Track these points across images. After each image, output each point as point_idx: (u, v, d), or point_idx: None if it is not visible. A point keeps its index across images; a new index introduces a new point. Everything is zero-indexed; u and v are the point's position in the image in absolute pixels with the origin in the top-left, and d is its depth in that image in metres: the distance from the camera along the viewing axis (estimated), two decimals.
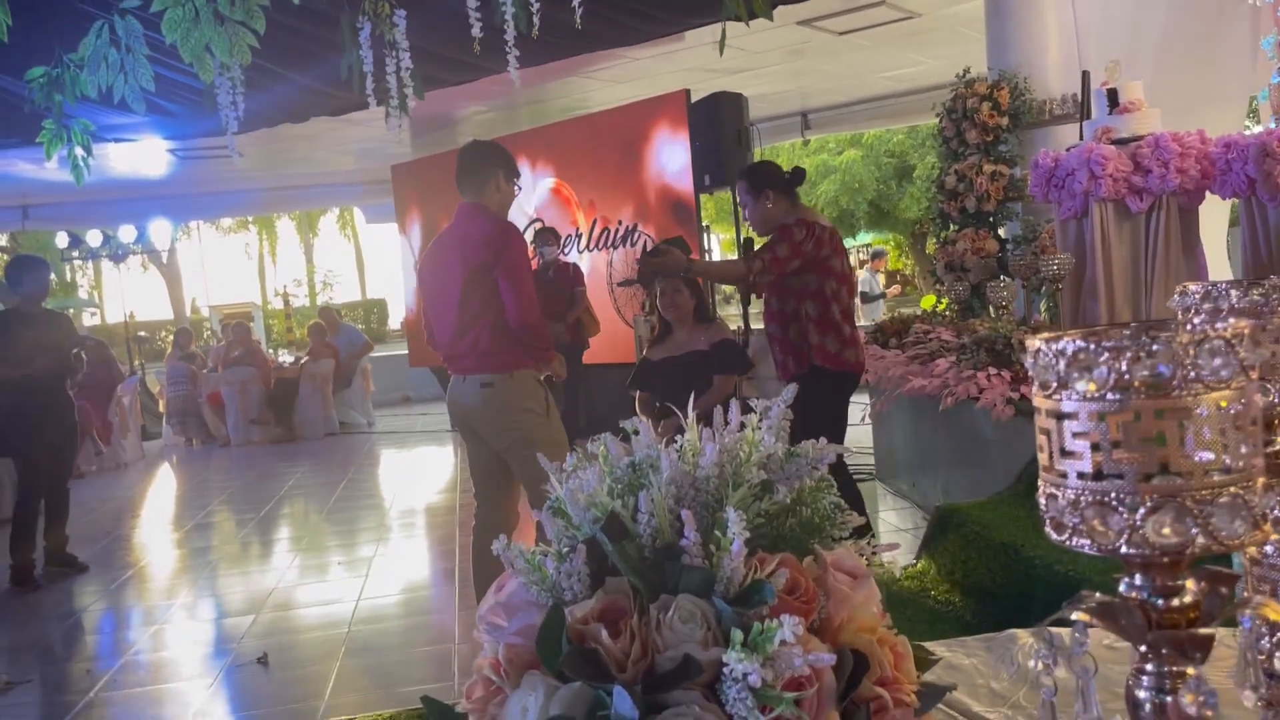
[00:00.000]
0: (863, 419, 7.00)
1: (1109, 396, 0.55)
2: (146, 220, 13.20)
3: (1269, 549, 0.75)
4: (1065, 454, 0.58)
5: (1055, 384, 0.58)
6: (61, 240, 13.78)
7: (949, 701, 1.17)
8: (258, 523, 6.92)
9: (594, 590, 0.87)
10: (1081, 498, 0.57)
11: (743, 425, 0.90)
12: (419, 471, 8.86)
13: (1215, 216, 6.18)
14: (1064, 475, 0.58)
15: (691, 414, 0.95)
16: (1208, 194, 5.05)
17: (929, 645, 1.30)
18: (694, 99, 7.73)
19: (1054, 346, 0.58)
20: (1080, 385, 0.56)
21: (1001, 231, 6.14)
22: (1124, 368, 0.55)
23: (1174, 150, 4.80)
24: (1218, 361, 0.54)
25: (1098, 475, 0.57)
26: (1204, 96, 6.36)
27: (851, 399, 4.08)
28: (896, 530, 4.90)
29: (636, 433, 0.92)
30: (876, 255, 14.83)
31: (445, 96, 8.20)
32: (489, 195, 3.68)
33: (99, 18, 5.33)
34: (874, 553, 0.93)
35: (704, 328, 4.66)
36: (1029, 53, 6.28)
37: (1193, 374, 0.54)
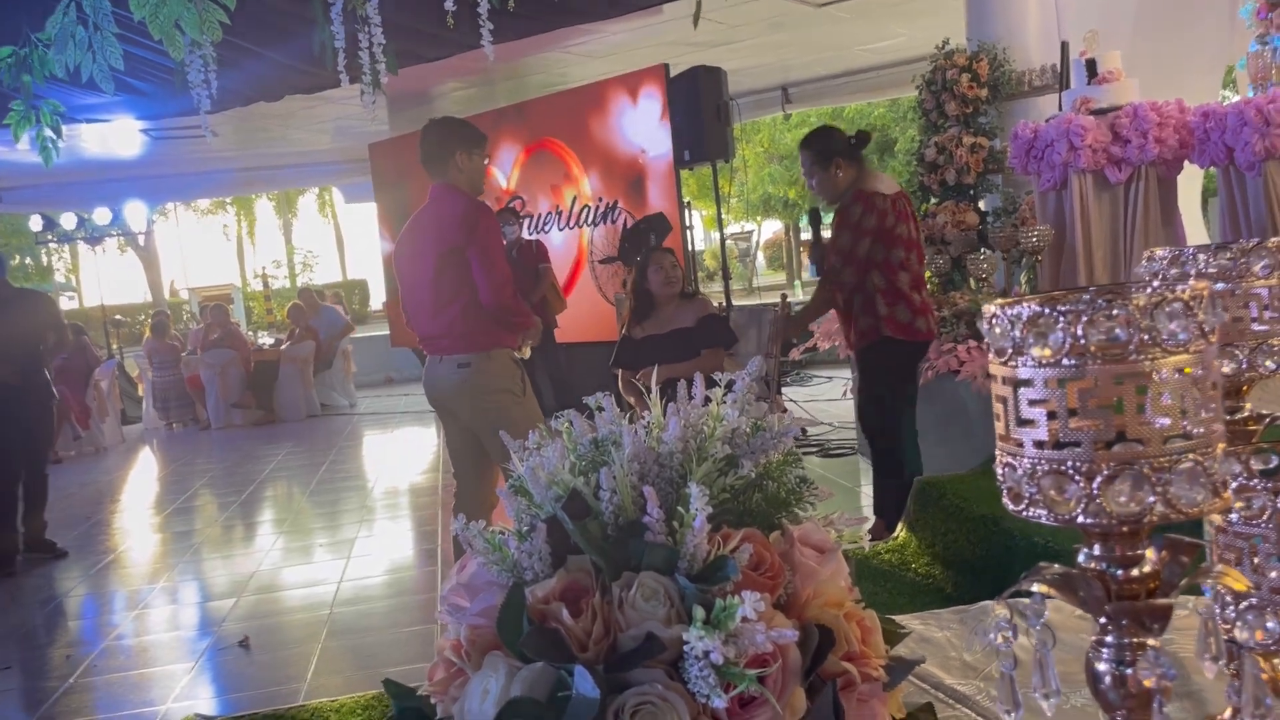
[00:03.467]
0: (844, 393, 7.01)
1: (1065, 362, 0.53)
2: (121, 202, 13.07)
3: (1234, 517, 0.74)
4: (1022, 422, 0.56)
5: (1011, 350, 0.56)
6: (36, 223, 13.62)
7: (921, 674, 1.17)
8: (239, 505, 6.89)
9: (556, 569, 0.85)
10: (1038, 467, 0.56)
11: (708, 400, 0.88)
12: (401, 452, 8.84)
13: (1190, 186, 6.18)
14: (1020, 444, 0.57)
15: (655, 388, 0.93)
16: (1185, 164, 5.06)
17: (901, 619, 1.29)
18: (673, 73, 7.68)
19: (1009, 312, 0.56)
20: (1036, 351, 0.54)
21: (982, 204, 6.13)
22: (1079, 332, 0.52)
23: (1152, 120, 4.79)
24: (1175, 325, 0.52)
25: (1055, 444, 0.55)
26: (1181, 65, 6.35)
27: (847, 374, 4.06)
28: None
29: (601, 409, 0.91)
30: None
31: (422, 73, 8.13)
32: (454, 174, 3.65)
33: None
34: (844, 527, 0.92)
35: (688, 303, 4.65)
36: (1008, 23, 6.25)
37: (1150, 338, 0.52)
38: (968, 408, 4.33)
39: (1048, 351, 0.54)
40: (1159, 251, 0.77)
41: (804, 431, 6.66)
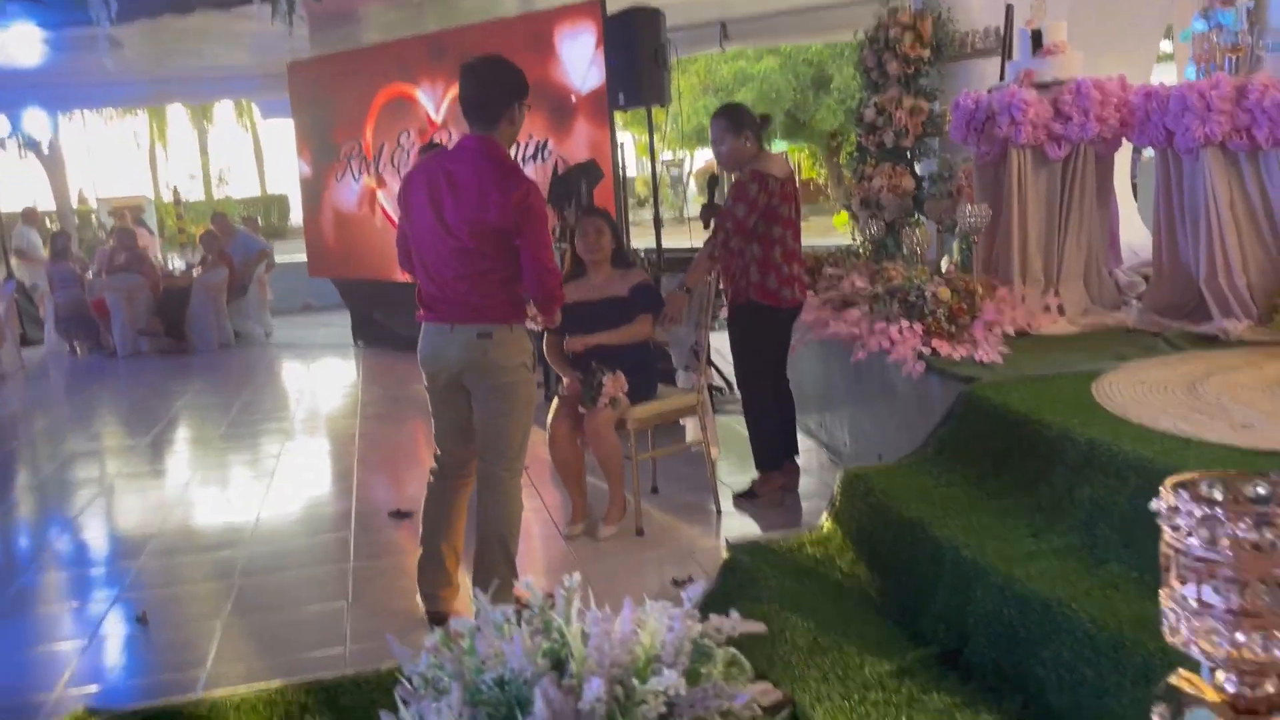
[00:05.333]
0: None
1: None
2: (20, 109, 12.31)
3: (1192, 541, 0.71)
4: None
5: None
6: None
7: None
8: (147, 448, 6.61)
9: None
10: None
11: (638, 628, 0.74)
12: (320, 390, 8.57)
13: (1121, 160, 6.16)
14: None
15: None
16: (1123, 141, 5.01)
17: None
18: (610, 10, 7.36)
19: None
20: None
21: (918, 168, 6.04)
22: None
23: (1095, 98, 4.71)
24: None
25: None
26: (1122, 30, 6.28)
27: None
28: (803, 472, 4.85)
29: (527, 607, 0.76)
30: None
31: None
32: (504, 128, 3.27)
33: None
34: None
35: (622, 272, 4.51)
36: None
37: None
38: (897, 388, 4.28)
39: None
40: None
41: (728, 388, 6.57)
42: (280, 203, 28.83)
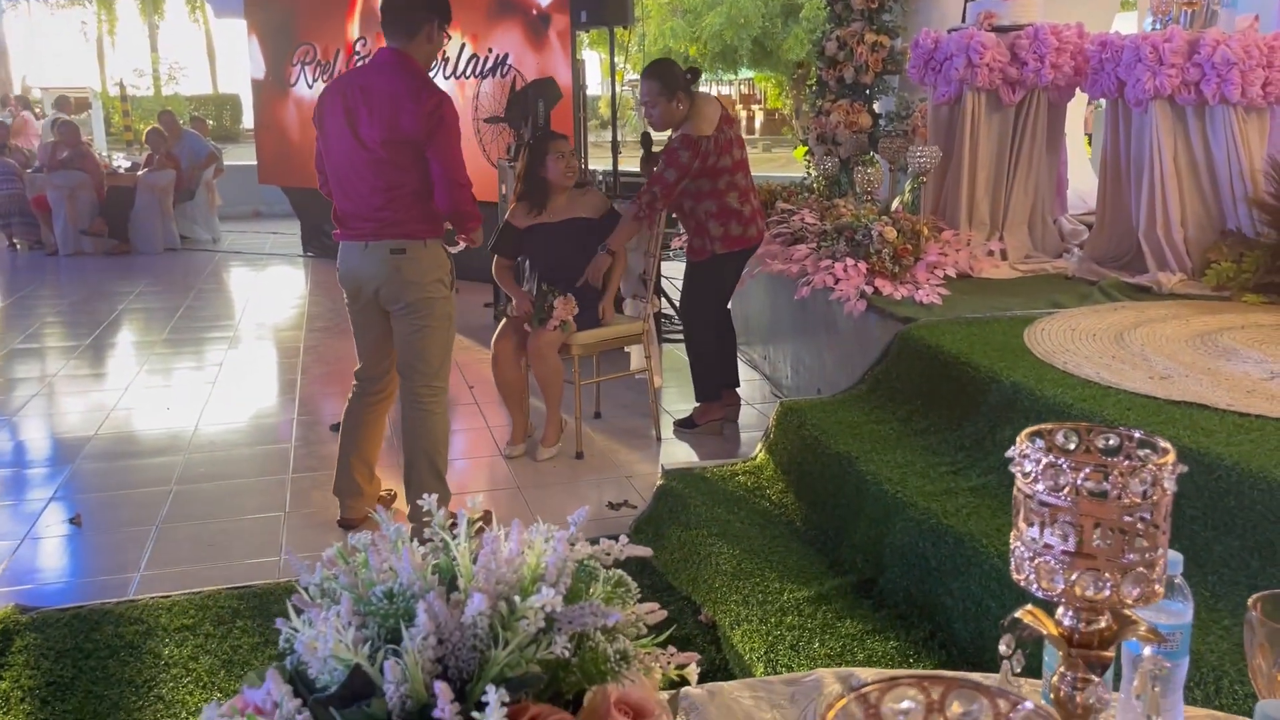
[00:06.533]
0: None
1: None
2: None
3: (1039, 487, 0.80)
4: None
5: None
6: None
7: None
8: (88, 349, 6.52)
9: None
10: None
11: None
12: (266, 299, 8.46)
13: (1074, 111, 6.20)
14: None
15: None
16: (1077, 91, 5.05)
17: (731, 687, 1.24)
18: None
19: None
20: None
21: (876, 106, 6.04)
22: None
23: (1051, 44, 4.73)
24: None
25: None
26: None
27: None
28: (744, 404, 4.94)
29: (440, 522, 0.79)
30: None
31: None
32: (419, 45, 3.27)
33: None
34: (674, 664, 0.84)
35: (582, 194, 4.52)
36: None
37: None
38: (839, 325, 4.34)
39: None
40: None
41: (678, 315, 6.63)
42: (233, 103, 28.04)
